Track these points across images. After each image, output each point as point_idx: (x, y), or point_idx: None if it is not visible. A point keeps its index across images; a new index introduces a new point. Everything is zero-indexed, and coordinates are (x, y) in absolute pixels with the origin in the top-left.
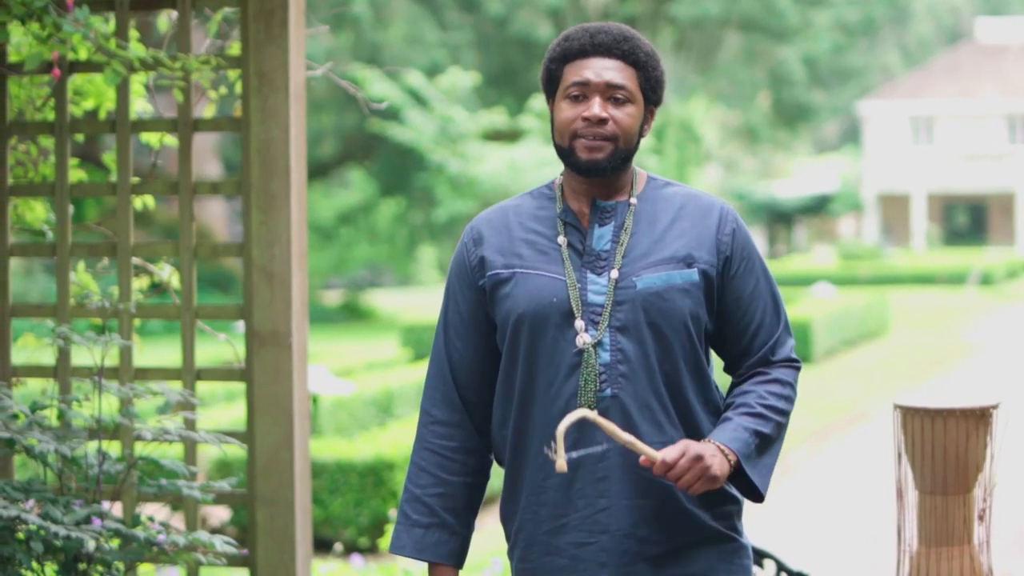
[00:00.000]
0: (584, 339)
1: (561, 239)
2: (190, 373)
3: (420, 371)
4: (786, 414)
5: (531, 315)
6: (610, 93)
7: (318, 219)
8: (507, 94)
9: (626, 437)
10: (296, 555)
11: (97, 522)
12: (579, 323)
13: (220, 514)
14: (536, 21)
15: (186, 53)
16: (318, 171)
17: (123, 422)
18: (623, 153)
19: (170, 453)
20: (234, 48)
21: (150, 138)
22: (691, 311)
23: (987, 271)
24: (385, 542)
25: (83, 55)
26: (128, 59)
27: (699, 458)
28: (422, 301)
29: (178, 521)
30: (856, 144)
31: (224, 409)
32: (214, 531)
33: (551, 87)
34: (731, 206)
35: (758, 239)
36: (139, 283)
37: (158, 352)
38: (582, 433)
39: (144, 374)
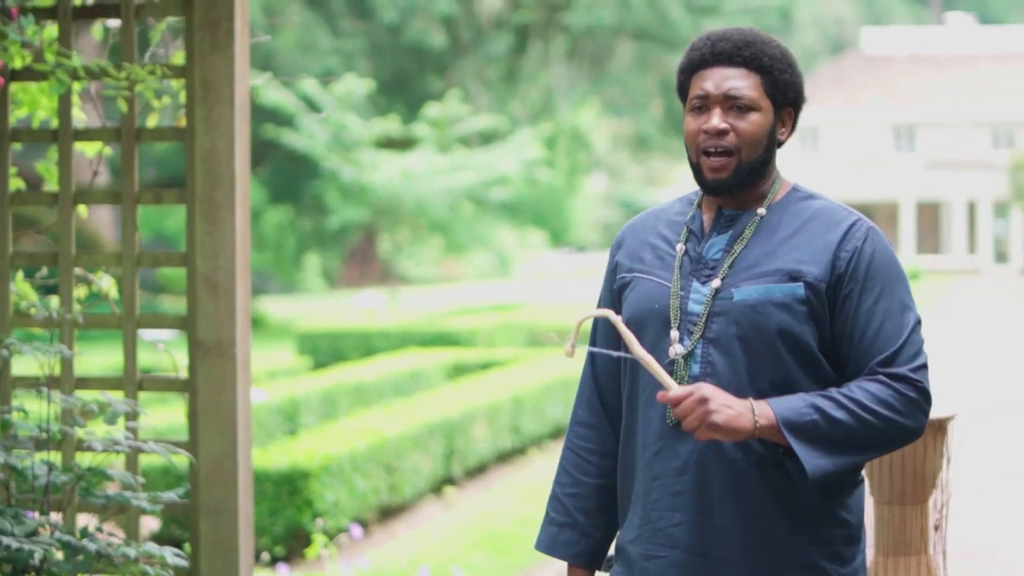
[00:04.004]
0: (676, 349)
1: (680, 246)
2: (132, 383)
3: (323, 380)
4: (877, 416)
5: (636, 320)
6: (731, 103)
7: None
8: (400, 102)
9: (645, 356)
10: (239, 566)
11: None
12: (674, 333)
13: (150, 524)
14: (429, 29)
15: (130, 62)
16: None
17: (69, 432)
18: (748, 166)
19: (107, 464)
20: (178, 57)
21: (86, 147)
22: (787, 327)
23: None
24: (313, 551)
25: (18, 64)
26: (73, 68)
27: (703, 401)
28: (311, 309)
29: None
30: None
31: (155, 417)
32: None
33: (683, 98)
34: (870, 224)
35: None
36: (77, 292)
37: (86, 360)
38: (663, 444)
39: (85, 383)
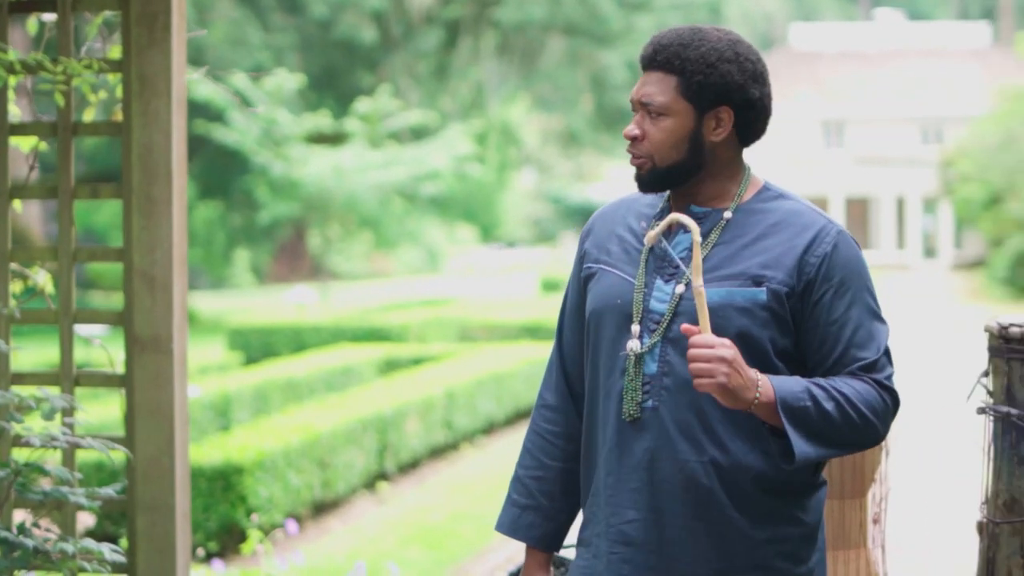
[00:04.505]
0: (632, 345)
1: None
2: (68, 378)
3: (255, 376)
4: (859, 413)
5: (598, 313)
6: (646, 108)
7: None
8: (330, 97)
9: (704, 309)
10: (177, 562)
11: None
12: (635, 328)
13: (84, 520)
14: (360, 24)
15: (67, 56)
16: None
17: (6, 427)
18: (664, 169)
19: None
20: (114, 52)
21: (21, 142)
22: (747, 330)
23: None
24: (248, 547)
25: None
26: (9, 62)
27: (723, 360)
28: (241, 304)
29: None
30: None
31: (88, 412)
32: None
33: None
34: (840, 228)
35: (573, 243)
36: (13, 287)
37: (20, 355)
38: (619, 440)
39: (21, 379)
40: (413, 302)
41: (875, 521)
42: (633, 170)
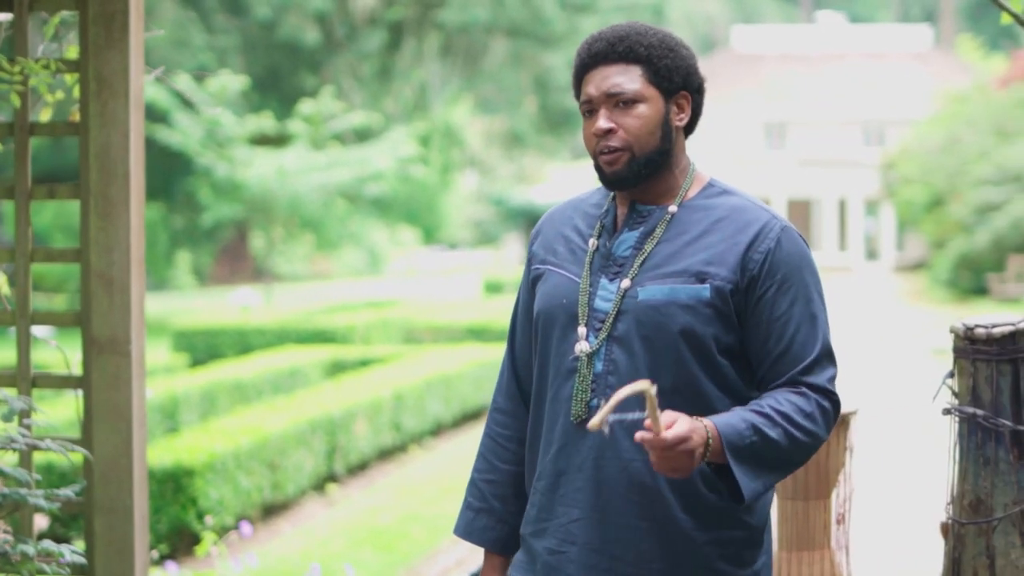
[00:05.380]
0: (581, 347)
1: (593, 241)
2: (25, 380)
3: (202, 377)
4: (804, 431)
5: (544, 314)
6: (615, 100)
7: (74, 223)
8: (274, 99)
9: (656, 413)
10: (135, 564)
11: None
12: (581, 329)
13: (37, 522)
14: (303, 25)
15: (23, 56)
16: (76, 175)
17: None
18: (643, 157)
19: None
20: (71, 52)
21: None
22: (690, 328)
23: None
24: (203, 549)
25: None
26: None
27: (689, 453)
28: (183, 306)
29: None
30: None
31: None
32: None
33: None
34: (784, 222)
35: (515, 245)
36: None
37: None
38: (567, 441)
39: None
40: (357, 304)
41: (839, 522)
42: (577, 172)
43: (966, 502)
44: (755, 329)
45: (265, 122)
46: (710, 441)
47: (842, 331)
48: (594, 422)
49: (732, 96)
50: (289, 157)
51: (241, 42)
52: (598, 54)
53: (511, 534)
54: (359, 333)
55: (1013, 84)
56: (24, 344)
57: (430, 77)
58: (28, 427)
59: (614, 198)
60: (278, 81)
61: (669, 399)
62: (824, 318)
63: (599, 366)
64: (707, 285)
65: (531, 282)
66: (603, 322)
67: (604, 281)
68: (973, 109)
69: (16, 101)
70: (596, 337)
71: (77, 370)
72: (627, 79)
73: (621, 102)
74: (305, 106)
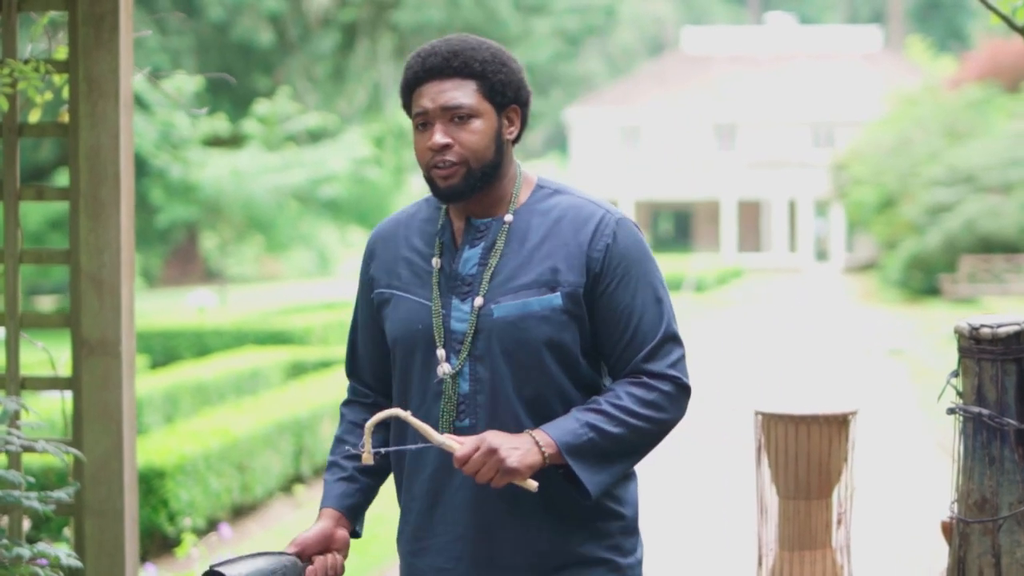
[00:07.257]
0: (444, 369)
1: (435, 261)
2: (15, 381)
3: (164, 379)
4: (647, 419)
5: (401, 341)
6: (451, 115)
7: (27, 225)
8: (228, 100)
9: (439, 438)
10: (126, 566)
11: None
12: (440, 352)
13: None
14: (257, 26)
15: (11, 58)
16: (32, 175)
17: None
18: (479, 171)
19: None
20: (60, 52)
21: None
22: (550, 338)
23: (700, 278)
24: (183, 551)
25: None
26: None
27: (493, 451)
28: (137, 308)
29: None
30: (563, 151)
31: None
32: None
33: (410, 115)
34: (618, 215)
35: None
36: None
37: None
38: (442, 462)
39: None
40: (312, 305)
41: (839, 521)
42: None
43: (971, 501)
44: (603, 324)
45: (219, 123)
46: (541, 445)
47: (795, 332)
48: (364, 456)
49: (682, 97)
50: (243, 159)
51: (195, 43)
52: (433, 68)
53: (361, 502)
54: (316, 334)
55: (963, 85)
56: (14, 345)
57: (383, 79)
58: (18, 428)
59: (447, 212)
60: (232, 82)
61: (548, 408)
62: (668, 303)
63: (465, 386)
64: (557, 293)
65: (375, 305)
66: (462, 343)
67: (456, 302)
68: (923, 110)
69: (4, 104)
70: (457, 358)
71: (63, 371)
72: (462, 94)
73: (457, 117)
74: (259, 107)
